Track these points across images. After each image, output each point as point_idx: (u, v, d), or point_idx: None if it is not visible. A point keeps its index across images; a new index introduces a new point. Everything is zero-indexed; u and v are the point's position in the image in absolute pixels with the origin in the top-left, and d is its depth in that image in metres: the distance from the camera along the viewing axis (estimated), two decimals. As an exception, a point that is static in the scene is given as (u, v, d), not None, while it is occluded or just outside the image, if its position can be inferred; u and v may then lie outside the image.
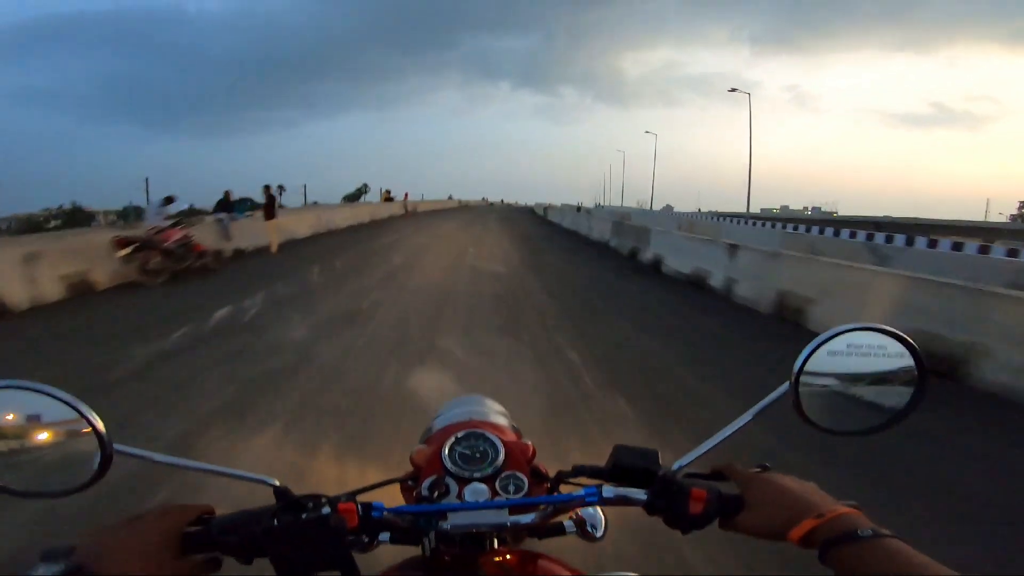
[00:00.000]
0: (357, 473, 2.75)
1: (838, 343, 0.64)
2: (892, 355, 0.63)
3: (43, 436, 0.58)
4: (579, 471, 0.73)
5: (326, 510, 0.62)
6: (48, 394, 0.57)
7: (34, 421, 0.58)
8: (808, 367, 0.64)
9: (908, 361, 0.63)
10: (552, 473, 0.77)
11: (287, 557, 0.60)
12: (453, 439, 0.78)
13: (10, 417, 0.58)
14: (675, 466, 0.68)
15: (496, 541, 0.73)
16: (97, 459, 0.59)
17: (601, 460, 0.72)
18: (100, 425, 0.58)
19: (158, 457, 0.63)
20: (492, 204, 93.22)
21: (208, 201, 13.01)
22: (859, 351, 0.64)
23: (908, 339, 0.63)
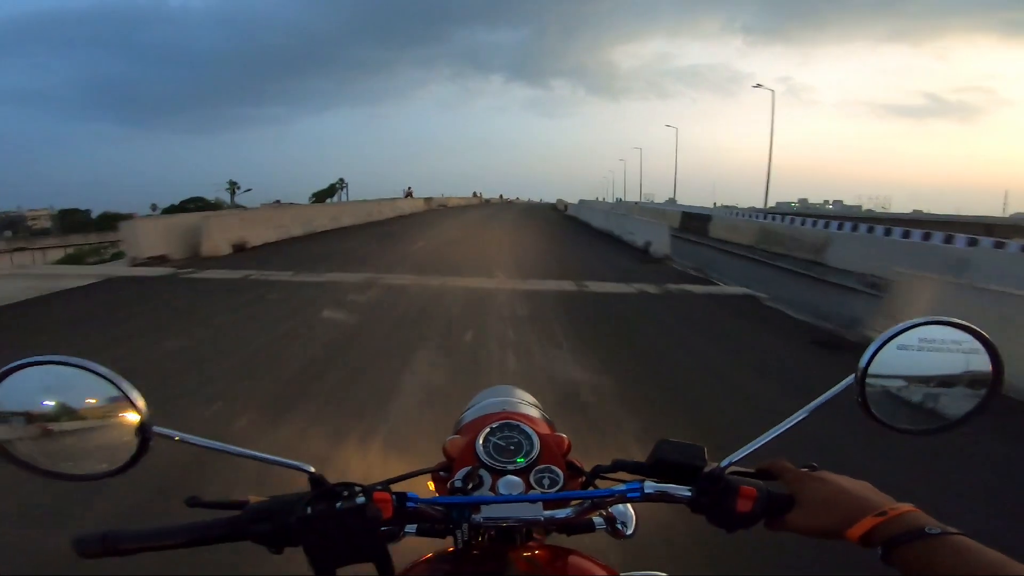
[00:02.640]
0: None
1: (909, 337, 0.60)
2: (967, 351, 0.59)
3: (81, 414, 0.56)
4: (618, 465, 0.70)
5: (361, 499, 0.59)
6: (90, 370, 0.55)
7: (73, 398, 0.55)
8: (877, 361, 0.60)
9: (983, 358, 0.59)
10: (588, 467, 0.75)
11: (321, 547, 0.58)
12: (487, 430, 0.75)
13: (48, 393, 0.55)
14: (723, 463, 0.65)
15: (523, 536, 0.71)
16: (136, 441, 0.56)
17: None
18: (142, 404, 0.56)
19: (197, 440, 0.61)
20: (488, 201, 64.76)
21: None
22: (931, 346, 0.60)
23: (984, 334, 0.59)
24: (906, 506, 0.54)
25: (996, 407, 0.60)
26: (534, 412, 0.88)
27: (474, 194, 67.58)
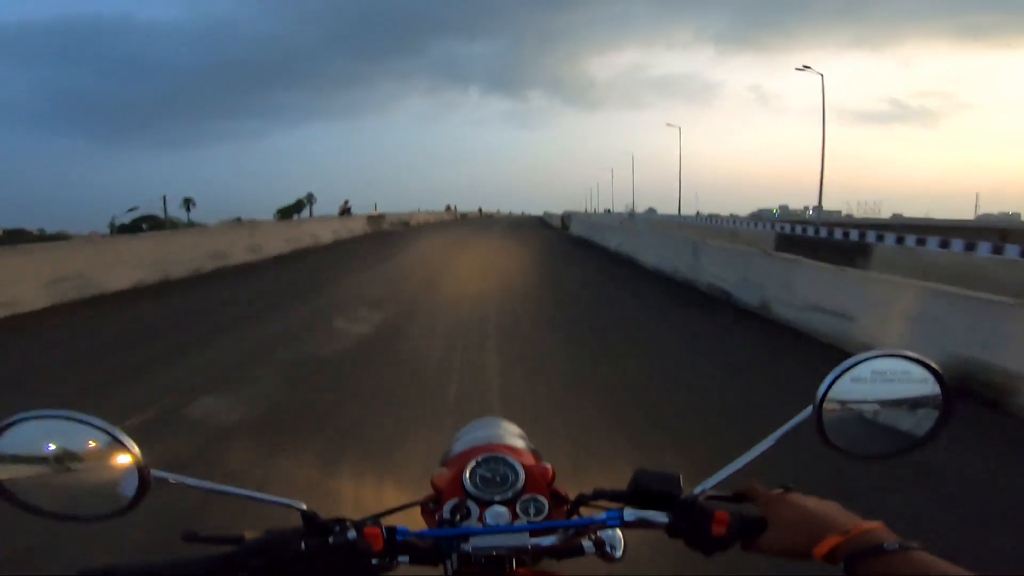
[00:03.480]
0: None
1: (862, 370, 0.64)
2: (916, 380, 0.64)
3: (83, 464, 0.60)
4: (599, 494, 0.73)
5: (352, 534, 0.63)
6: (86, 423, 0.59)
7: (73, 449, 0.60)
8: (832, 393, 0.64)
9: (933, 386, 0.64)
10: (572, 495, 0.78)
11: None
12: (474, 463, 0.77)
13: (51, 446, 0.59)
14: (697, 490, 0.68)
15: (515, 563, 0.73)
16: (135, 485, 0.60)
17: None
18: (136, 451, 0.60)
19: (193, 482, 0.64)
20: (464, 216, 53.76)
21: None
22: (883, 377, 0.64)
23: (933, 364, 0.63)
24: (871, 524, 0.57)
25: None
26: (520, 443, 0.90)
27: (447, 207, 52.85)
